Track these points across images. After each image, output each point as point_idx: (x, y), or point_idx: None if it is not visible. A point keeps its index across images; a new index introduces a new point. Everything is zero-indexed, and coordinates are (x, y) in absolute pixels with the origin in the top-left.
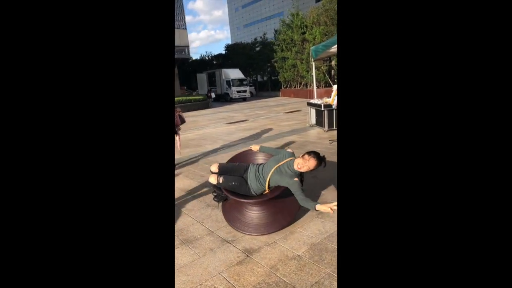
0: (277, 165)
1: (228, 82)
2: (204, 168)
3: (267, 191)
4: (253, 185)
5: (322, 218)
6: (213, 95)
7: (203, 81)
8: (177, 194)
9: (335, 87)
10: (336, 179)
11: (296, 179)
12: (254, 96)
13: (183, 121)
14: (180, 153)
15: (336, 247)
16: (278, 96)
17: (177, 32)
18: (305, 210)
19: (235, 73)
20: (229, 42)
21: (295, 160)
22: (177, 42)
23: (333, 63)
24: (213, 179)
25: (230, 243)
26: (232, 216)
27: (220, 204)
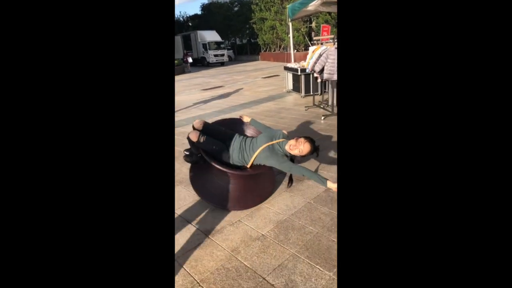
0: (270, 143)
1: (204, 46)
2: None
3: (248, 166)
4: (235, 156)
5: (291, 192)
6: (190, 59)
7: (178, 45)
8: None
9: (311, 49)
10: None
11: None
12: (232, 60)
13: None
14: None
15: (303, 223)
16: (257, 60)
17: None
18: (276, 182)
19: (212, 36)
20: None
21: (288, 141)
22: None
23: (313, 24)
24: (193, 136)
25: (190, 223)
26: (200, 182)
27: (189, 166)
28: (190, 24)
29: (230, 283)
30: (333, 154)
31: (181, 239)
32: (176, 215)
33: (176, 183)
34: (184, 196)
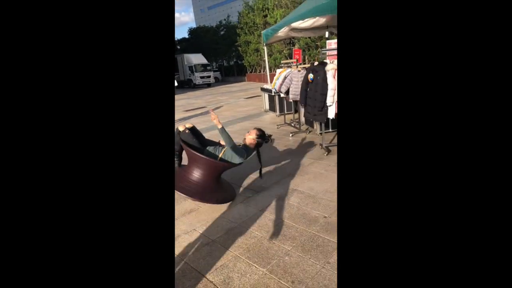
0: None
1: (191, 68)
2: None
3: (218, 157)
4: (207, 153)
5: (247, 203)
6: (175, 83)
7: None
8: None
9: (278, 71)
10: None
11: (234, 153)
12: (219, 82)
13: None
14: None
15: (250, 229)
16: (244, 81)
17: None
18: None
19: (198, 58)
20: (194, 26)
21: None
22: None
23: (296, 46)
24: (181, 127)
25: None
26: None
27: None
28: (178, 47)
29: (175, 283)
30: (288, 165)
31: None
32: None
33: None
34: None
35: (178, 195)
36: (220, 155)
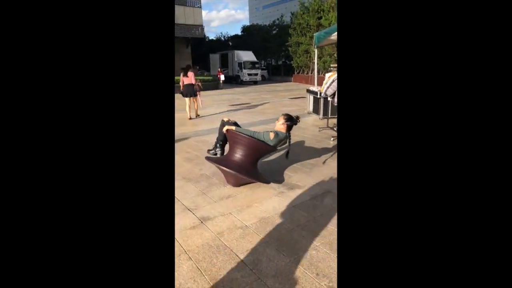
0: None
1: (240, 64)
2: (191, 146)
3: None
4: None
5: (281, 197)
6: (222, 77)
7: (215, 62)
8: None
9: (327, 74)
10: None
11: (271, 132)
12: (265, 80)
13: (199, 90)
14: (197, 113)
15: (282, 221)
16: (290, 81)
17: (191, 10)
18: (269, 187)
19: (247, 56)
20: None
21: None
22: (191, 21)
23: None
24: (225, 118)
25: (190, 211)
26: (219, 159)
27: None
28: (230, 43)
29: (208, 255)
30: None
31: (180, 221)
32: (180, 204)
33: (184, 180)
34: (191, 191)
35: (218, 180)
36: (256, 137)
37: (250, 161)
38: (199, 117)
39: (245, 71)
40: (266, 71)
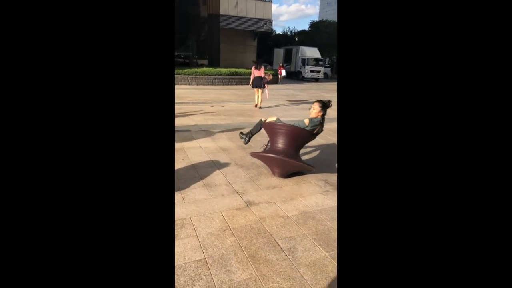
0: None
1: (303, 60)
2: None
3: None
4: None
5: (325, 195)
6: (283, 72)
7: (279, 57)
8: (215, 151)
9: None
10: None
11: (305, 120)
12: (327, 78)
13: (267, 82)
14: (259, 105)
15: (323, 218)
16: None
17: (261, 4)
18: (315, 185)
19: (312, 52)
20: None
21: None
22: (260, 15)
23: None
24: (266, 119)
25: (238, 194)
26: (264, 152)
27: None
28: (296, 39)
29: (250, 235)
30: None
31: (228, 201)
32: (231, 187)
33: (237, 166)
34: (241, 176)
35: (267, 170)
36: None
37: (292, 148)
38: (261, 109)
39: (308, 68)
40: (329, 69)
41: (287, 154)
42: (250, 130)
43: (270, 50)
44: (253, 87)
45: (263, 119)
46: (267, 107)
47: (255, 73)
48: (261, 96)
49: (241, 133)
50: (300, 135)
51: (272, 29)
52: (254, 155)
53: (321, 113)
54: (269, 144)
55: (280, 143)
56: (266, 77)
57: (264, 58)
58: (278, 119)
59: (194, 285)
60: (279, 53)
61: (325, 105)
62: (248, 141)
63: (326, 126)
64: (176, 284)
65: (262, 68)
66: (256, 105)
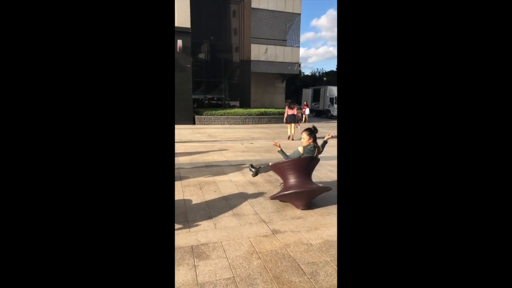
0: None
1: (331, 99)
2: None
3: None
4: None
5: None
6: (307, 111)
7: (307, 96)
8: (244, 184)
9: None
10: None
11: (299, 148)
12: None
13: (300, 119)
14: (292, 137)
15: None
16: None
17: (290, 49)
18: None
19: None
20: None
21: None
22: (288, 59)
23: None
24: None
25: (265, 223)
26: (280, 193)
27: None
28: (324, 79)
29: (275, 259)
30: None
31: (255, 229)
32: (258, 216)
33: (264, 198)
34: (268, 207)
35: (292, 203)
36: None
37: (303, 177)
38: (293, 141)
39: (336, 106)
40: None
41: (301, 185)
42: (259, 168)
43: (299, 90)
44: (287, 122)
45: (270, 164)
46: (297, 139)
47: (289, 111)
48: (294, 130)
49: (251, 165)
50: (303, 164)
51: (300, 71)
52: (274, 197)
53: (311, 140)
54: (255, 169)
55: (291, 178)
56: (298, 115)
57: (293, 98)
58: (282, 150)
59: None
60: (307, 93)
61: (311, 132)
62: (255, 175)
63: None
64: None
65: (295, 108)
66: (289, 137)
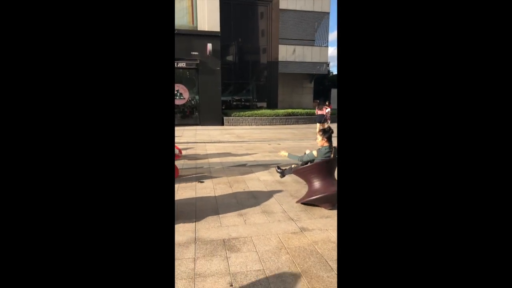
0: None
1: None
2: None
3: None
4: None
5: None
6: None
7: (336, 96)
8: (273, 184)
9: None
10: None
11: (314, 151)
12: None
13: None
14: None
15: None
16: None
17: (318, 49)
18: None
19: None
20: None
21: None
22: (317, 59)
23: None
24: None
25: (293, 221)
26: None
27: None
28: None
29: (303, 255)
30: None
31: (284, 226)
32: (286, 214)
33: (292, 197)
34: (296, 206)
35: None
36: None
37: (326, 178)
38: None
39: None
40: None
41: (326, 188)
42: (285, 170)
43: (327, 90)
44: (316, 121)
45: (293, 166)
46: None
47: (318, 111)
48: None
49: (278, 167)
50: (324, 166)
51: (329, 70)
52: (300, 202)
53: (325, 140)
54: (281, 170)
55: (315, 181)
56: (327, 115)
57: (321, 98)
58: (289, 154)
59: None
60: (335, 93)
61: (325, 132)
62: (282, 176)
63: None
64: (237, 286)
65: (324, 108)
66: None
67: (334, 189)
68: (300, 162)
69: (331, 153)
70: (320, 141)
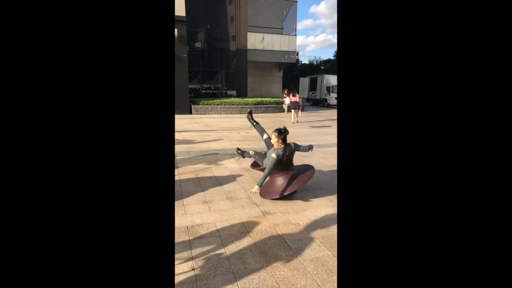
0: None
1: (328, 88)
2: None
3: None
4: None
5: (335, 208)
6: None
7: (304, 85)
8: (239, 171)
9: None
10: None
11: (273, 154)
12: None
13: (302, 106)
14: (297, 120)
15: (330, 225)
16: None
17: (286, 38)
18: (327, 199)
19: (336, 80)
20: None
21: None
22: (285, 47)
23: None
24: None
25: (257, 205)
26: (265, 191)
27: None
28: (322, 67)
29: (264, 237)
30: None
31: (248, 211)
32: (250, 200)
33: (255, 183)
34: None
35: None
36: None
37: (288, 174)
38: (298, 123)
39: (333, 95)
40: None
41: (289, 182)
42: (244, 153)
43: (296, 79)
44: (291, 109)
45: (251, 152)
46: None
47: (292, 98)
48: (297, 115)
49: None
50: (282, 165)
51: (298, 59)
52: (272, 198)
53: (280, 141)
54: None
55: (278, 179)
56: (300, 102)
57: (290, 87)
58: (258, 182)
59: (216, 271)
60: (304, 82)
61: (280, 133)
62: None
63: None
64: (198, 269)
65: (297, 95)
66: (293, 123)
67: (297, 183)
68: (263, 154)
69: (286, 155)
70: (275, 142)
